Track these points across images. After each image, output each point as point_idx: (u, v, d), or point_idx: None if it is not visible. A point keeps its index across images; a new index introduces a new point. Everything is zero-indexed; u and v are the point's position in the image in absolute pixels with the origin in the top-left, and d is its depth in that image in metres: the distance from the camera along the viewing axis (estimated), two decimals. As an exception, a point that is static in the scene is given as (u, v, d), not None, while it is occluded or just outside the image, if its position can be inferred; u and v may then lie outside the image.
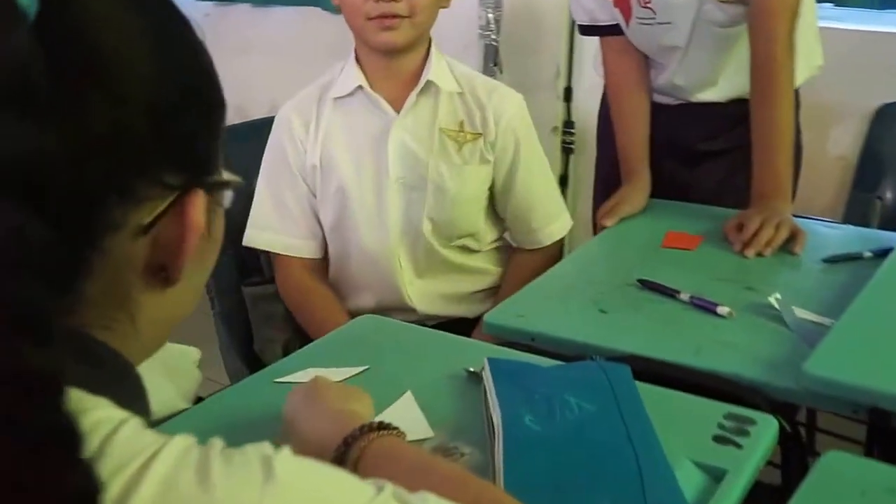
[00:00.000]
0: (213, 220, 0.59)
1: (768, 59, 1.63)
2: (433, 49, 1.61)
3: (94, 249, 0.51)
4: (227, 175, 0.60)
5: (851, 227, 1.82)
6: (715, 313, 1.32)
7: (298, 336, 1.71)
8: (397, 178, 1.60)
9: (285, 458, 0.49)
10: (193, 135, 0.55)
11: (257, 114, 3.31)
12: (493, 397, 1.03)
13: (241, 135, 1.95)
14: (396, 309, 1.68)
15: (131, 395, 0.54)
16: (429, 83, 1.59)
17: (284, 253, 1.67)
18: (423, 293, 1.69)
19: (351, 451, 0.78)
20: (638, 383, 1.08)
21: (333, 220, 1.65)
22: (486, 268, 1.75)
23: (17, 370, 0.39)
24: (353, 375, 1.13)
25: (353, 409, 0.87)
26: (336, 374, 1.13)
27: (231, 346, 1.81)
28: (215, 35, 3.12)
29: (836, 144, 2.50)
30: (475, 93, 1.63)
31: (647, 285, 1.42)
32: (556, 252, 1.76)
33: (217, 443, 0.50)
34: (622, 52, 1.84)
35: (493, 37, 2.86)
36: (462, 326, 1.59)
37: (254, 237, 1.66)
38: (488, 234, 1.73)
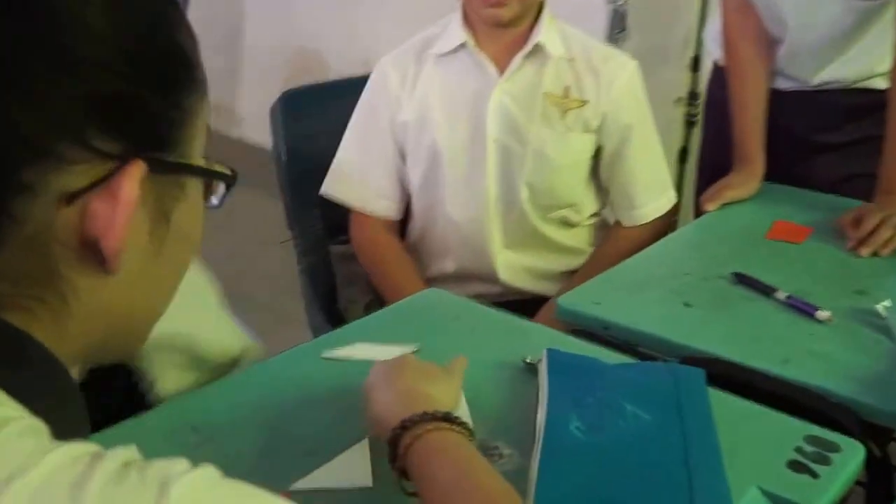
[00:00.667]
0: (174, 209, 0.53)
1: None
2: (545, 13, 1.54)
3: (1, 213, 0.45)
4: (212, 166, 0.54)
5: None
6: (812, 317, 1.20)
7: (379, 299, 1.67)
8: (495, 141, 1.54)
9: (188, 484, 0.42)
10: (138, 102, 0.49)
11: (353, 70, 3.35)
12: (543, 394, 0.95)
13: (339, 91, 1.93)
14: (478, 278, 1.63)
15: (50, 393, 0.48)
16: (537, 47, 1.52)
17: (363, 209, 1.63)
18: (509, 264, 1.62)
19: (405, 436, 0.75)
20: (712, 391, 0.99)
21: (422, 180, 1.60)
22: (580, 247, 1.66)
23: None
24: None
25: (427, 392, 0.82)
26: (384, 352, 1.08)
27: (314, 303, 1.79)
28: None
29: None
30: (589, 58, 1.55)
31: (741, 279, 1.30)
32: (661, 228, 1.65)
33: (119, 456, 0.43)
34: (746, 12, 1.70)
35: (621, 2, 2.74)
36: (541, 306, 1.50)
37: (332, 187, 1.63)
38: (588, 206, 1.65)
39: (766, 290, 1.26)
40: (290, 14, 3.58)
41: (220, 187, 0.56)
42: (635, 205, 1.61)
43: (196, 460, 0.74)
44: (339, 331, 1.14)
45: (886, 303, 1.19)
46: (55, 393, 0.48)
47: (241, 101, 3.87)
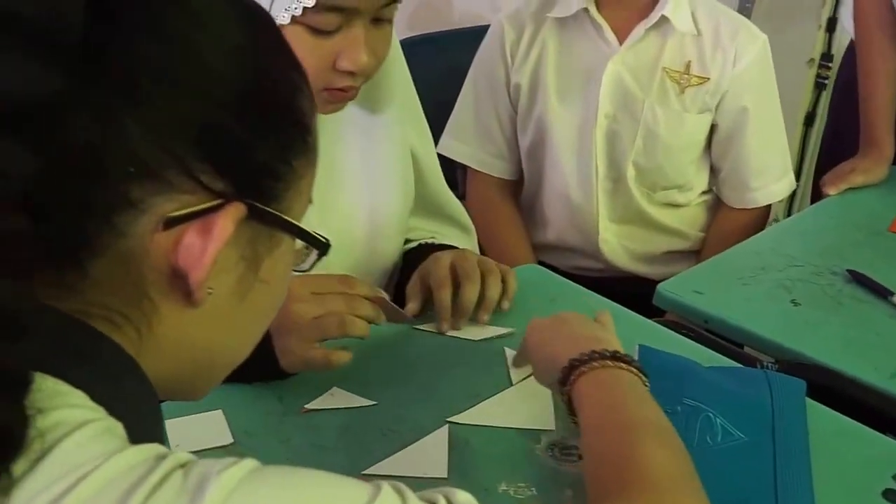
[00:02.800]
0: (265, 260, 0.54)
1: None
2: None
3: (104, 221, 0.47)
4: (308, 229, 0.55)
5: None
6: (934, 327, 1.12)
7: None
8: (606, 115, 1.48)
9: (228, 478, 0.43)
10: (248, 148, 0.51)
11: (508, 8, 3.29)
12: (631, 395, 0.92)
13: (456, 40, 1.90)
14: (580, 252, 1.60)
15: (129, 400, 0.49)
16: (662, 18, 1.44)
17: (479, 168, 1.61)
18: (611, 242, 1.58)
19: (574, 371, 0.78)
20: (811, 402, 0.94)
21: (530, 146, 1.57)
22: (685, 230, 1.60)
23: None
24: (496, 337, 1.06)
25: (596, 335, 0.84)
26: (478, 333, 1.06)
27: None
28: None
29: None
30: (717, 31, 1.46)
31: (856, 278, 1.23)
32: (765, 213, 1.59)
33: (173, 460, 0.44)
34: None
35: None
36: (643, 287, 1.46)
37: (448, 146, 1.60)
38: (698, 187, 1.58)
39: (883, 293, 1.19)
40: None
41: (313, 254, 0.58)
42: (750, 187, 1.54)
43: (279, 430, 0.75)
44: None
45: None
46: (133, 395, 0.50)
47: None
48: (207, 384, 0.59)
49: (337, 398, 0.93)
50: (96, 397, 0.46)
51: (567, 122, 1.50)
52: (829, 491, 0.82)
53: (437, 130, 1.61)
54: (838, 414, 0.94)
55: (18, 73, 0.43)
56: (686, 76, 1.45)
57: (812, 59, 2.66)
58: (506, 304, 1.08)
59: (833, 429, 0.92)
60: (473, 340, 1.05)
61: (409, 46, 1.71)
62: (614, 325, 0.92)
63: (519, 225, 1.61)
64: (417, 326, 1.07)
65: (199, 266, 0.49)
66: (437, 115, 1.66)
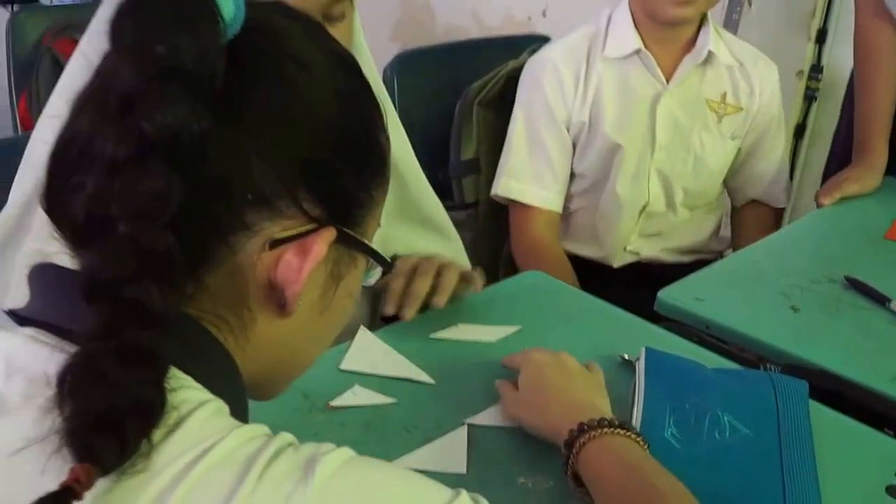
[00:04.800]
0: (346, 274, 0.62)
1: None
2: (708, 15, 1.55)
3: (223, 242, 0.54)
4: (379, 252, 0.63)
5: None
6: (929, 332, 1.16)
7: (481, 266, 1.69)
8: (661, 146, 1.57)
9: (333, 460, 0.50)
10: (342, 179, 0.58)
11: (490, 22, 3.34)
12: (639, 395, 0.95)
13: (449, 54, 1.93)
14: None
15: (229, 393, 0.55)
16: (708, 53, 1.55)
17: (537, 205, 1.62)
18: (628, 254, 1.68)
19: (581, 437, 0.81)
20: (813, 404, 0.97)
21: (587, 177, 1.63)
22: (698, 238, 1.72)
23: (123, 344, 0.47)
24: (503, 337, 1.09)
25: (595, 403, 0.89)
26: (486, 332, 1.09)
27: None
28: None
29: None
30: (743, 63, 1.59)
31: (853, 284, 1.26)
32: (780, 214, 1.75)
33: (281, 438, 0.51)
34: (882, 12, 1.63)
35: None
36: (664, 272, 1.50)
37: (509, 186, 1.62)
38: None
39: (880, 299, 1.22)
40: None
41: (377, 271, 0.66)
42: (772, 187, 1.70)
43: (306, 425, 0.80)
44: (444, 309, 1.15)
45: None
46: (232, 390, 0.56)
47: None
48: (282, 385, 0.67)
49: (359, 396, 0.96)
50: (206, 388, 0.53)
51: (626, 154, 1.57)
52: (834, 487, 0.85)
53: (430, 143, 1.65)
54: (840, 414, 0.98)
55: (178, 113, 0.49)
56: (723, 105, 1.56)
57: (801, 71, 2.70)
58: (442, 300, 1.10)
59: (836, 429, 0.95)
60: (485, 342, 1.08)
61: (403, 61, 1.77)
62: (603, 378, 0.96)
63: (566, 261, 1.63)
64: (433, 336, 1.10)
65: (296, 281, 0.56)
66: (431, 128, 1.71)
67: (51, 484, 0.44)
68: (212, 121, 0.51)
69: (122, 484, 0.46)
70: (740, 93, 1.58)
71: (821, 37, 2.68)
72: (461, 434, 0.92)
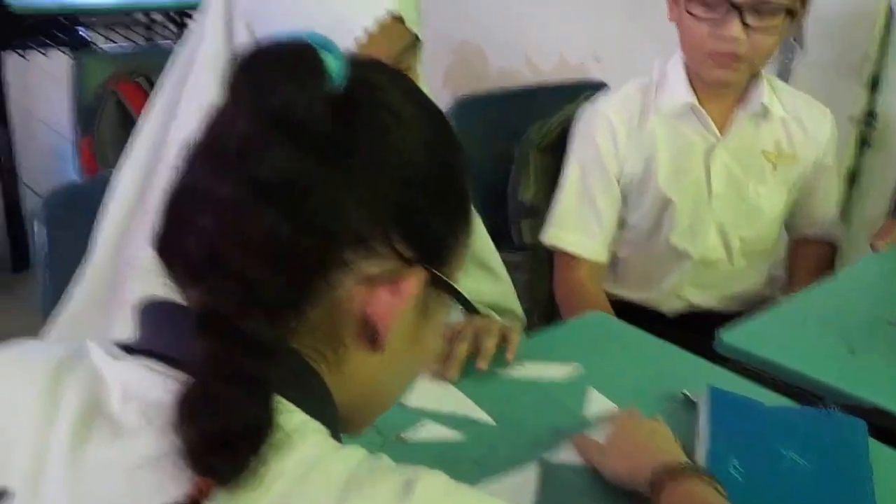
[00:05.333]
0: (433, 313, 0.65)
1: None
2: (761, 69, 1.56)
3: (323, 278, 0.58)
4: (463, 293, 0.66)
5: None
6: None
7: (536, 309, 1.72)
8: (716, 197, 1.59)
9: (431, 483, 0.54)
10: (432, 222, 0.62)
11: (543, 66, 3.40)
12: (704, 431, 0.99)
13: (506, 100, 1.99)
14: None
15: (326, 422, 0.59)
16: (761, 106, 1.56)
17: (581, 253, 1.62)
18: (681, 301, 1.69)
19: (667, 480, 0.86)
20: (874, 442, 1.00)
21: (640, 229, 1.65)
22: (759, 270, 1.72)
23: (234, 372, 0.52)
24: (566, 375, 1.13)
25: (674, 451, 0.94)
26: (546, 369, 1.13)
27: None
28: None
29: None
30: (796, 112, 1.61)
31: (910, 328, 1.28)
32: (835, 251, 1.74)
33: (381, 460, 0.56)
34: None
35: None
36: (717, 320, 1.49)
37: (555, 235, 1.63)
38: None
39: (936, 342, 1.24)
40: (457, 4, 3.66)
41: (457, 311, 0.70)
42: (828, 225, 1.71)
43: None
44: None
45: None
46: (328, 419, 0.59)
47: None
48: (370, 418, 0.70)
49: (429, 430, 1.01)
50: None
51: (681, 206, 1.59)
52: (895, 525, 0.87)
53: (486, 187, 1.70)
54: (898, 452, 1.00)
55: (288, 160, 0.54)
56: (779, 156, 1.58)
57: (852, 117, 2.71)
58: (483, 365, 1.14)
59: (892, 467, 0.97)
60: (548, 380, 1.12)
61: (460, 106, 1.83)
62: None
63: (609, 309, 1.62)
64: (497, 372, 1.14)
65: (388, 318, 0.60)
66: (487, 172, 1.76)
67: (171, 497, 0.49)
68: (317, 167, 0.55)
69: (236, 498, 0.50)
70: (795, 141, 1.59)
71: (874, 83, 2.70)
72: (531, 470, 0.95)
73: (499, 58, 3.58)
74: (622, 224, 1.66)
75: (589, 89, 1.83)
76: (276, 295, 0.54)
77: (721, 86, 1.53)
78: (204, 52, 1.02)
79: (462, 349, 1.13)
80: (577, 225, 1.62)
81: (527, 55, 3.46)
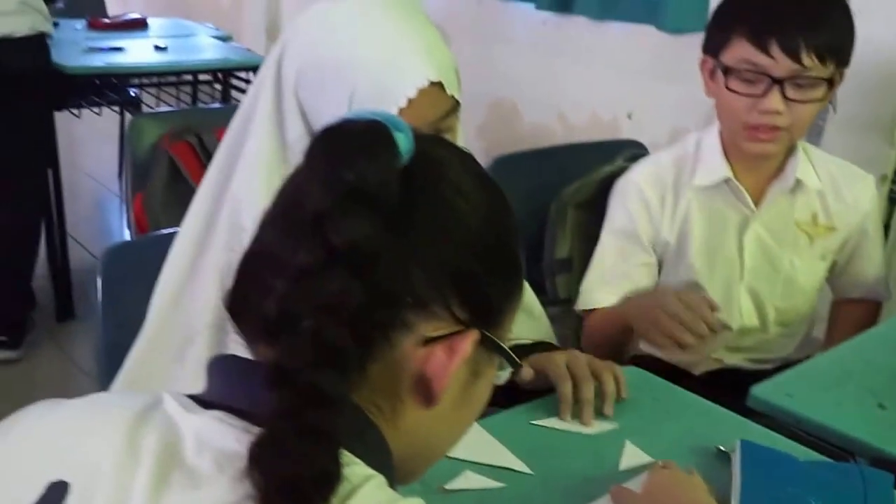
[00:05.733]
0: (483, 372, 0.69)
1: None
2: (799, 142, 1.57)
3: (385, 338, 0.62)
4: (510, 353, 0.70)
5: None
6: None
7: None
8: (749, 270, 1.59)
9: None
10: (487, 288, 0.67)
11: (576, 123, 3.46)
12: (737, 484, 1.02)
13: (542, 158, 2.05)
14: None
15: (384, 474, 0.62)
16: (797, 181, 1.56)
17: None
18: (728, 357, 1.69)
19: None
20: (902, 496, 1.02)
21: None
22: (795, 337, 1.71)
23: (305, 424, 0.55)
24: (601, 431, 1.17)
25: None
26: (584, 426, 1.17)
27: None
28: (547, 42, 3.27)
29: None
30: (834, 182, 1.59)
31: (940, 384, 1.31)
32: (878, 309, 1.73)
33: None
34: None
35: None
36: (746, 378, 1.49)
37: (590, 298, 1.62)
38: None
39: (965, 399, 1.27)
40: (492, 62, 3.75)
41: (508, 369, 0.74)
42: (872, 285, 1.70)
43: None
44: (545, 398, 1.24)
45: None
46: (386, 471, 0.63)
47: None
48: (421, 470, 0.74)
49: (470, 480, 1.05)
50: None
51: (714, 278, 1.60)
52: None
53: (523, 242, 1.75)
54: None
55: (360, 229, 0.58)
56: (815, 227, 1.58)
57: (885, 176, 2.74)
58: (623, 394, 1.20)
59: (922, 520, 1.00)
60: (583, 434, 1.16)
61: (498, 163, 1.90)
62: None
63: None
64: (534, 422, 1.18)
65: (443, 376, 0.64)
66: (524, 228, 1.80)
67: None
68: (386, 236, 0.59)
69: None
70: (832, 212, 1.58)
71: (904, 141, 2.73)
72: None
73: (532, 114, 3.66)
74: None
75: (625, 148, 1.89)
76: (343, 353, 0.57)
77: (760, 158, 1.52)
78: (257, 122, 1.08)
79: (590, 392, 1.17)
80: (608, 285, 1.62)
81: (560, 112, 3.54)
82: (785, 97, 1.42)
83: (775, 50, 1.40)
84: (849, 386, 1.32)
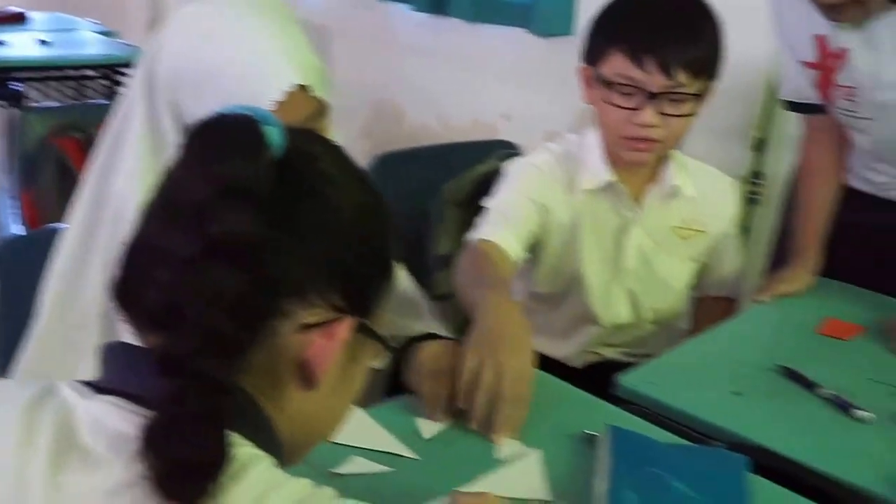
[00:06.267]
0: (360, 357, 0.74)
1: None
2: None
3: (266, 326, 0.65)
4: (383, 337, 0.75)
5: None
6: (853, 415, 1.29)
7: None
8: (629, 271, 1.67)
9: None
10: (361, 276, 0.71)
11: (456, 123, 3.52)
12: (604, 466, 1.08)
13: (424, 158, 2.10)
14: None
15: (271, 453, 0.66)
16: (673, 187, 1.64)
17: (496, 241, 1.56)
18: (606, 351, 1.78)
19: None
20: (754, 477, 1.10)
21: (554, 295, 1.73)
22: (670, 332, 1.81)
23: (194, 408, 0.58)
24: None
25: None
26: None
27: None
28: (427, 44, 3.33)
29: None
30: (704, 188, 1.68)
31: (788, 373, 1.41)
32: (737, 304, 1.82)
33: (325, 490, 0.63)
34: (825, 131, 1.80)
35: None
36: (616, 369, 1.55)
37: (480, 233, 1.59)
38: None
39: (810, 386, 1.37)
40: (373, 64, 3.78)
41: (383, 354, 0.78)
42: (727, 284, 1.79)
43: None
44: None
45: (923, 408, 1.29)
46: (273, 451, 0.67)
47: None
48: (305, 450, 0.77)
49: (358, 464, 1.08)
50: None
51: (594, 277, 1.68)
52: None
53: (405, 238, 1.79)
54: (775, 485, 1.11)
55: (238, 222, 0.62)
56: (687, 231, 1.67)
57: (743, 177, 2.90)
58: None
59: (772, 499, 1.08)
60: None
61: (379, 162, 1.93)
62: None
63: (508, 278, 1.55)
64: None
65: (323, 361, 0.69)
66: (405, 224, 1.85)
67: None
68: (263, 228, 0.63)
69: None
70: (702, 217, 1.68)
71: (759, 145, 2.90)
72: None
73: (413, 115, 3.70)
74: (535, 295, 1.73)
75: (501, 148, 1.96)
76: (227, 341, 0.61)
77: (636, 165, 1.60)
78: (134, 121, 1.11)
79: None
80: (497, 225, 1.59)
81: (439, 113, 3.59)
82: (659, 111, 1.49)
83: (650, 66, 1.46)
84: (707, 375, 1.41)
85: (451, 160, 2.05)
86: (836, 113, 1.74)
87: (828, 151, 1.82)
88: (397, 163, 2.03)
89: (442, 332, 1.41)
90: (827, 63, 1.67)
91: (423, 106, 3.62)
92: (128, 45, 3.61)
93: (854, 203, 1.84)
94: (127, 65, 3.25)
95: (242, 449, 0.62)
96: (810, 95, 1.76)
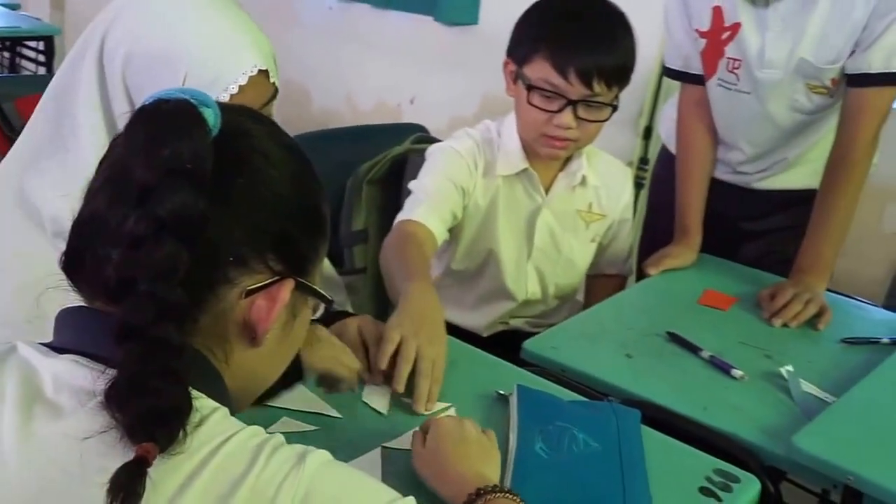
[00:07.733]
0: (300, 312, 0.80)
1: (848, 154, 1.74)
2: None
3: (211, 292, 0.72)
4: (321, 291, 0.80)
5: (882, 310, 1.90)
6: (729, 374, 1.46)
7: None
8: (538, 250, 1.81)
9: (318, 455, 0.69)
10: (299, 242, 0.77)
11: (363, 106, 3.58)
12: (514, 421, 1.20)
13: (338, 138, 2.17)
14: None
15: (224, 403, 0.72)
16: (581, 177, 1.78)
17: (421, 221, 1.64)
18: (501, 326, 1.91)
19: (478, 500, 0.95)
20: (645, 428, 1.23)
21: (469, 270, 1.85)
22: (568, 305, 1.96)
23: (158, 367, 0.65)
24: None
25: (482, 472, 1.02)
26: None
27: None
28: (335, 28, 3.41)
29: (892, 220, 2.58)
30: (604, 176, 1.83)
31: (673, 338, 1.56)
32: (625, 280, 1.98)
33: (276, 437, 0.70)
34: (701, 105, 1.95)
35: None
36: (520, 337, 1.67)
37: (407, 213, 1.66)
38: None
39: (693, 349, 1.53)
40: (283, 47, 3.80)
41: (321, 307, 0.84)
42: (624, 262, 1.95)
43: None
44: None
45: (789, 367, 1.46)
46: (225, 402, 0.73)
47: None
48: (250, 398, 0.85)
49: (287, 424, 1.17)
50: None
51: (508, 255, 1.81)
52: (661, 487, 1.11)
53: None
54: (664, 435, 1.24)
55: (183, 200, 0.66)
56: (590, 214, 1.82)
57: (631, 162, 3.08)
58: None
59: (661, 445, 1.22)
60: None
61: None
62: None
63: (427, 257, 1.62)
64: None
65: (266, 320, 0.75)
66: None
67: (118, 461, 0.61)
68: (206, 204, 0.67)
69: (167, 462, 0.63)
70: (603, 202, 1.83)
71: (646, 133, 3.08)
72: (375, 456, 1.13)
73: (321, 98, 3.75)
74: (449, 271, 1.85)
75: (412, 131, 2.05)
76: (179, 309, 0.66)
77: (551, 160, 1.74)
78: (83, 98, 1.10)
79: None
80: (421, 206, 1.67)
81: (347, 96, 3.64)
82: (577, 116, 1.63)
83: (572, 76, 1.59)
84: (603, 340, 1.55)
85: (360, 141, 2.14)
86: (713, 86, 1.89)
87: (704, 127, 1.97)
88: (308, 144, 2.09)
89: (348, 307, 1.50)
90: (719, 34, 1.82)
91: (332, 90, 3.68)
92: (34, 18, 3.53)
93: (716, 191, 2.00)
94: (33, 38, 3.22)
95: (201, 401, 0.68)
96: (696, 66, 1.91)
